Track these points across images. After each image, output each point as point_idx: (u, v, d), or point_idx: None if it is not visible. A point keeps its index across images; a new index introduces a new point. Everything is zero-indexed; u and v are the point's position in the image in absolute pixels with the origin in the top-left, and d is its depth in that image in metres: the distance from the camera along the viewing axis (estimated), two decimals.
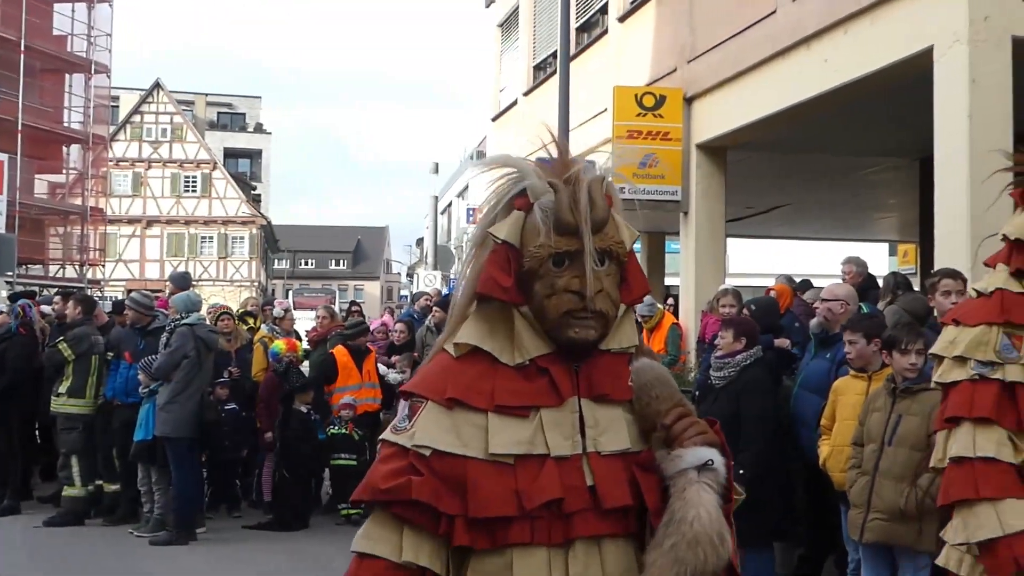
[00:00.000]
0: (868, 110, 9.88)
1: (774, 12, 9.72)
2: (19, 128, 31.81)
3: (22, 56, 32.30)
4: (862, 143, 11.90)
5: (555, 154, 2.14)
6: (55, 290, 18.16)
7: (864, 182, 14.28)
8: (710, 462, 1.95)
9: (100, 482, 10.04)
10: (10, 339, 10.48)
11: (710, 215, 11.43)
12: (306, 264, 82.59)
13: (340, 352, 10.49)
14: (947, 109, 7.42)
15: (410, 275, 58.04)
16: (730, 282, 10.73)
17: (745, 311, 8.13)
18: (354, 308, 13.56)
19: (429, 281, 27.89)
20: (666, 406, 2.03)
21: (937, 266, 7.12)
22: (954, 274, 6.03)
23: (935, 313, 6.18)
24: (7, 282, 19.85)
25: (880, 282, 9.24)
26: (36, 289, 17.95)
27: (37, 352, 10.50)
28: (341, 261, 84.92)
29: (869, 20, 8.37)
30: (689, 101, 11.41)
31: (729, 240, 12.69)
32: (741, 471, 6.16)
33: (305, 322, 14.36)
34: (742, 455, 6.10)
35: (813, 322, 6.96)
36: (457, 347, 2.09)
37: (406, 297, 25.07)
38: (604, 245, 2.05)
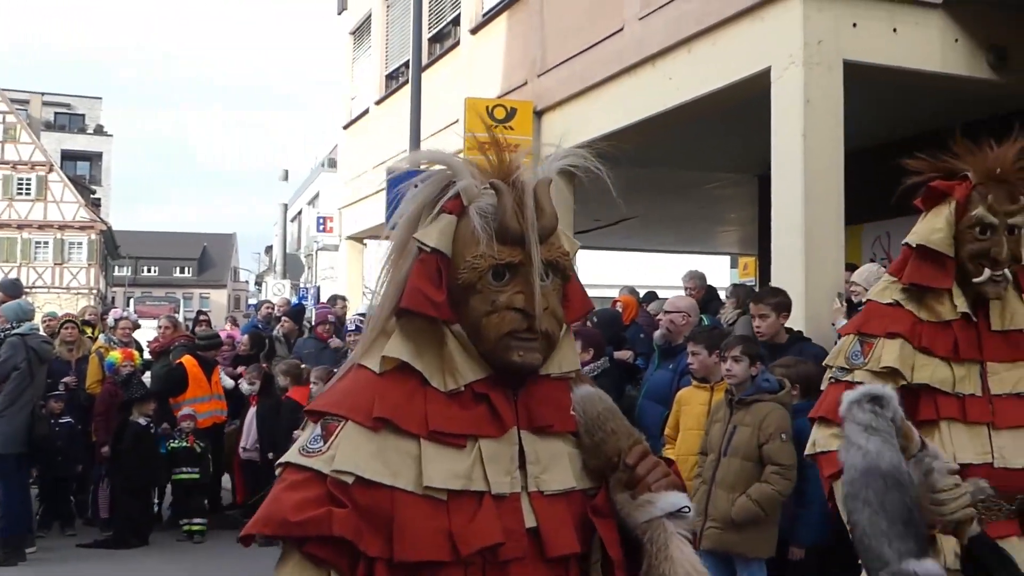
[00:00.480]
0: (711, 127, 10.19)
1: (621, 30, 9.93)
2: None
3: None
4: (705, 159, 12.27)
5: (492, 152, 1.87)
6: None
7: (707, 197, 14.71)
8: (685, 509, 1.76)
9: None
10: None
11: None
12: (149, 271, 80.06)
13: (190, 363, 10.24)
14: (783, 128, 7.71)
15: (259, 283, 56.87)
16: None
17: (588, 323, 8.25)
18: (202, 317, 13.25)
19: (278, 290, 27.32)
20: (626, 443, 1.82)
21: (773, 278, 7.40)
22: (758, 297, 6.48)
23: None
24: None
25: (721, 295, 9.55)
26: None
27: None
28: (186, 268, 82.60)
29: (711, 41, 8.64)
30: (539, 114, 11.54)
31: (578, 252, 12.88)
32: None
33: (148, 331, 13.90)
34: None
35: (657, 334, 7.12)
36: (384, 361, 1.81)
37: (254, 306, 24.55)
38: (551, 256, 1.81)
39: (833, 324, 6.66)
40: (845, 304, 6.64)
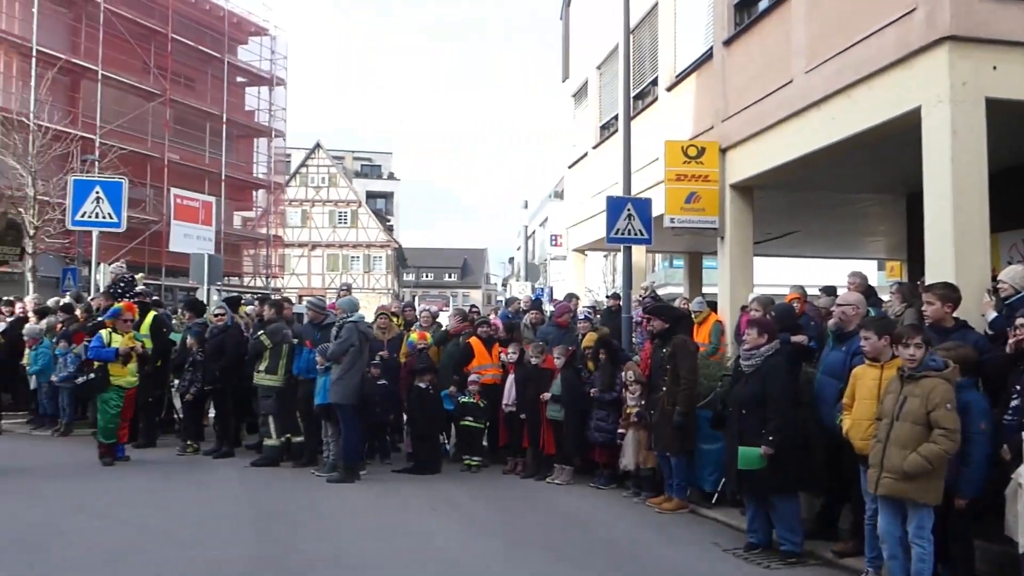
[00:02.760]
0: (862, 157, 9.52)
1: (791, 82, 9.45)
2: (223, 178, 32.88)
3: (224, 127, 33.36)
4: (856, 183, 11.51)
5: None
6: (252, 296, 18.42)
7: (858, 213, 13.81)
8: None
9: (289, 436, 10.19)
10: (227, 331, 10.73)
11: (740, 239, 11.16)
12: (426, 277, 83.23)
13: (476, 342, 10.51)
14: (933, 156, 7.09)
15: (504, 285, 58.16)
16: (756, 291, 10.45)
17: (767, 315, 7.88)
18: (474, 309, 13.57)
19: (520, 290, 27.82)
20: None
21: (928, 278, 6.82)
22: (929, 287, 6.06)
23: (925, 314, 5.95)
24: (217, 289, 20.37)
25: (877, 291, 8.91)
26: (238, 295, 18.26)
27: (244, 341, 10.71)
28: (451, 275, 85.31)
29: (867, 87, 8.06)
30: (724, 151, 11.16)
31: (755, 258, 12.35)
32: (771, 437, 6.01)
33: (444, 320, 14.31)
34: (770, 423, 6.04)
35: (831, 322, 6.70)
36: None
37: (501, 301, 25.11)
38: None
39: (983, 315, 6.06)
40: (994, 298, 6.02)
